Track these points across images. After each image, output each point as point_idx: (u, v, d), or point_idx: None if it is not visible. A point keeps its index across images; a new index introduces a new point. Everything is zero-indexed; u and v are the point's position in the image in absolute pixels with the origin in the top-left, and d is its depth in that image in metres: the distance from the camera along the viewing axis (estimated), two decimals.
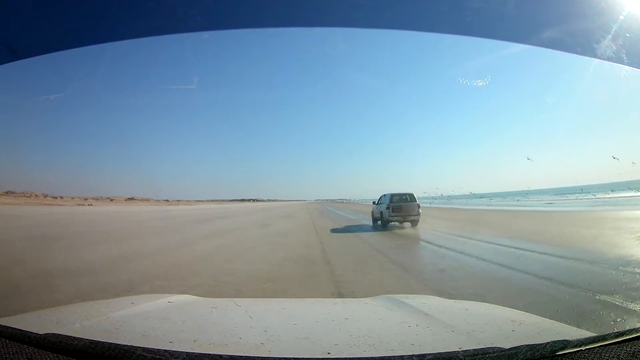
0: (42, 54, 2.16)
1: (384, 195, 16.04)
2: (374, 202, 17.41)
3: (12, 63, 2.06)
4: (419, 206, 15.12)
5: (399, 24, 2.33)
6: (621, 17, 1.82)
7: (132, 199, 66.66)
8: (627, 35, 1.83)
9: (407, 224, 15.10)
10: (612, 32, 1.84)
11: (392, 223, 15.21)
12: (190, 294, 2.05)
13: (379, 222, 15.99)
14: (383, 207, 15.54)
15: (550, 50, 2.12)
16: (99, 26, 2.08)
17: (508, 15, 2.00)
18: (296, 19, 2.37)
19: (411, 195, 15.46)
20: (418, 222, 14.99)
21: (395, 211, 15.00)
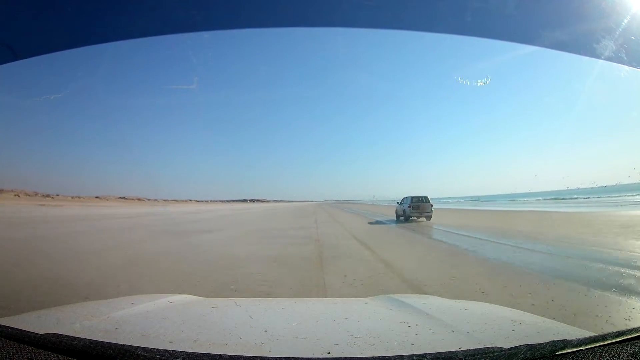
0: (42, 54, 2.16)
1: (405, 197, 20.85)
2: (397, 203, 22.20)
3: (12, 63, 2.06)
4: (431, 205, 19.59)
5: (402, 24, 2.32)
6: (625, 20, 1.82)
7: (123, 198, 66.45)
8: (632, 38, 1.83)
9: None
10: (616, 34, 1.83)
11: (412, 218, 19.72)
12: (190, 294, 2.05)
13: (402, 218, 20.54)
14: (405, 206, 20.19)
15: (556, 51, 2.12)
16: (99, 26, 2.09)
17: (510, 16, 2.00)
18: (297, 18, 2.37)
19: (426, 197, 19.94)
20: (431, 217, 19.33)
21: (415, 209, 19.54)
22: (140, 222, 21.75)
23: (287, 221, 23.64)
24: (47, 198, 51.40)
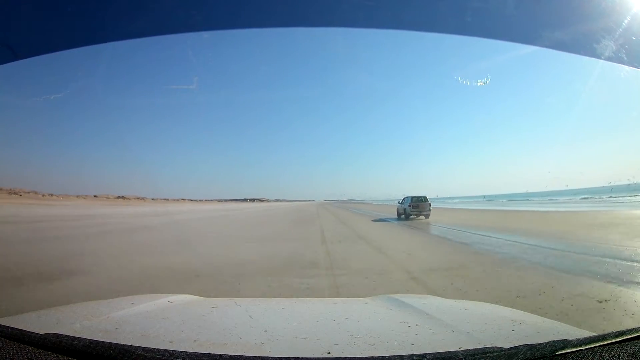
0: (42, 54, 2.16)
1: (406, 197, 22.45)
2: (398, 202, 23.74)
3: (12, 63, 2.06)
4: (430, 205, 21.21)
5: (402, 24, 2.32)
6: (626, 20, 1.81)
7: (122, 197, 66.16)
8: (633, 38, 1.83)
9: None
10: (616, 34, 1.83)
11: (411, 216, 21.22)
12: (190, 294, 2.04)
13: (402, 216, 22.04)
14: (406, 205, 21.86)
15: (560, 52, 2.12)
16: (99, 26, 2.09)
17: (510, 16, 1.99)
18: (297, 18, 2.37)
19: (425, 197, 21.62)
20: (430, 215, 20.79)
21: (414, 208, 21.19)
22: None
23: (275, 234, 14.56)
24: (13, 195, 49.52)
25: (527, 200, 61.54)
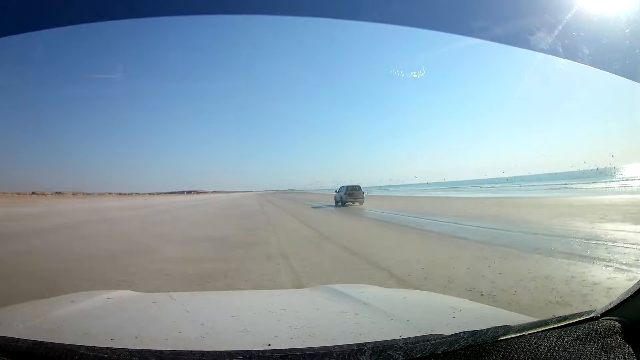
0: None
1: (342, 186, 25.65)
2: (335, 191, 26.82)
3: None
4: (363, 193, 24.92)
5: (325, 13, 2.28)
6: (568, 16, 1.88)
7: (60, 193, 60.93)
8: (574, 33, 1.91)
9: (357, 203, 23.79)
10: (559, 28, 1.90)
11: (347, 203, 24.34)
12: (127, 289, 2.00)
13: (339, 203, 25.20)
14: (342, 194, 25.18)
15: (503, 45, 2.16)
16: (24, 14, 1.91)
17: (444, 5, 1.98)
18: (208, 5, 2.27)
19: (359, 186, 25.18)
20: (364, 202, 24.34)
21: (349, 196, 24.61)
22: None
23: None
24: None
25: (494, 186, 55.96)
